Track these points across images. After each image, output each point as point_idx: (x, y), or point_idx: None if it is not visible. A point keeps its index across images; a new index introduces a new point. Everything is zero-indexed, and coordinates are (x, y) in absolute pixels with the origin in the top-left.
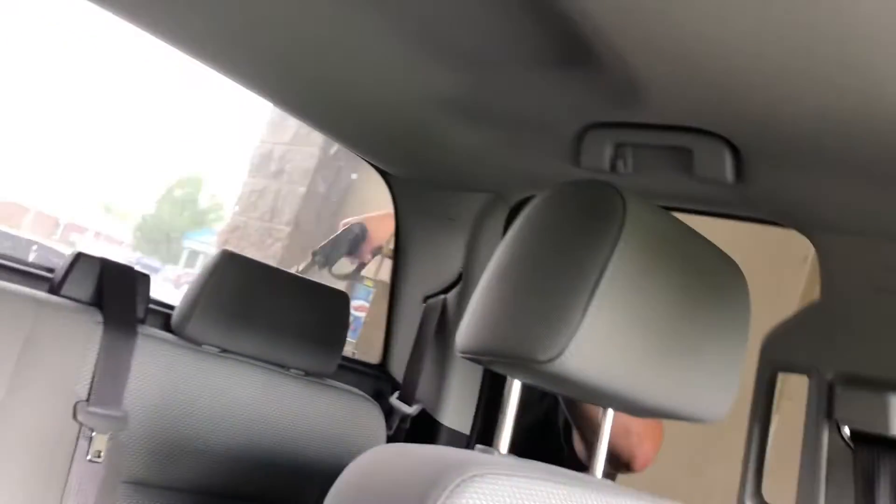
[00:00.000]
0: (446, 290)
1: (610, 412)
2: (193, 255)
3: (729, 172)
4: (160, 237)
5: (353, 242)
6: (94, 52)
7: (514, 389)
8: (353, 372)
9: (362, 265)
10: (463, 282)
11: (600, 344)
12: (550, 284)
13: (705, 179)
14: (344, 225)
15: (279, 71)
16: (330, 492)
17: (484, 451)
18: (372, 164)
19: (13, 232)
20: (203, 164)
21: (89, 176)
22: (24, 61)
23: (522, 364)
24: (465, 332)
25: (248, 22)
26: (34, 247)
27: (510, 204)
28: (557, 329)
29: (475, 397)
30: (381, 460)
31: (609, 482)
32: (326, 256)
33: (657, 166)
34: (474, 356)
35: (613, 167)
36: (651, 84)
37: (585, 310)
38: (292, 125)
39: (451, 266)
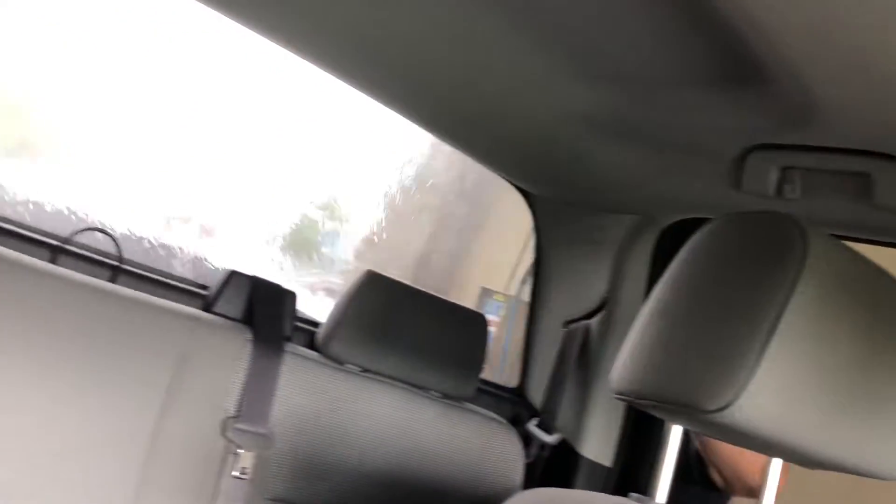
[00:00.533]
0: (589, 316)
1: (776, 461)
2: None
3: None
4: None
5: None
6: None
7: (674, 435)
8: (491, 396)
9: None
10: (608, 308)
11: (777, 394)
12: (721, 325)
13: (887, 208)
14: None
15: (421, 89)
16: None
17: (639, 501)
18: (513, 184)
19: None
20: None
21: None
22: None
23: (686, 412)
24: (620, 372)
25: (387, 39)
26: (191, 262)
27: (660, 227)
28: (729, 376)
29: (618, 429)
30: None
31: None
32: None
33: (829, 192)
34: (631, 399)
35: (780, 191)
36: (826, 104)
37: (761, 355)
38: (426, 138)
39: (595, 291)
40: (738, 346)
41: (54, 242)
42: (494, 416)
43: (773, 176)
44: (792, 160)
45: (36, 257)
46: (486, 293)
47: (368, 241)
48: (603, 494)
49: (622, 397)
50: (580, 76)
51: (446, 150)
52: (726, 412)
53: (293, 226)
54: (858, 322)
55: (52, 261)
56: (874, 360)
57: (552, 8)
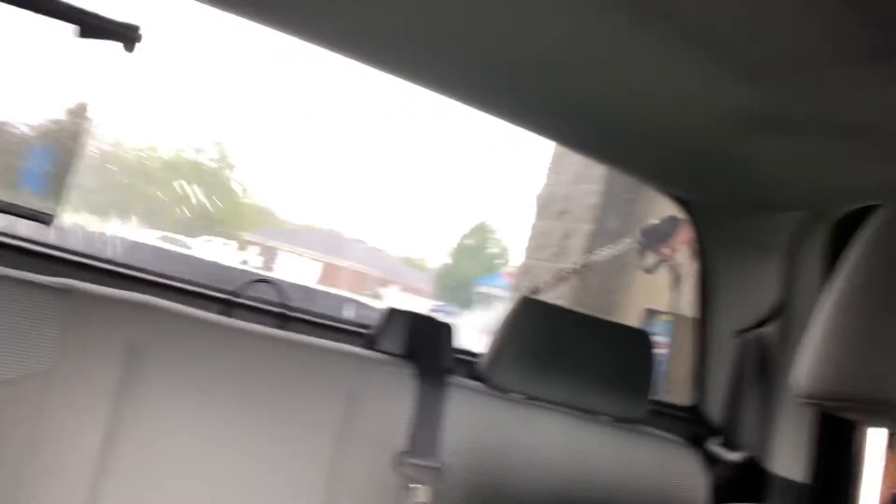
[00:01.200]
0: (762, 324)
1: None
2: (485, 299)
3: None
4: (455, 284)
5: (666, 232)
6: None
7: (874, 441)
8: (665, 416)
9: (663, 260)
10: (784, 313)
11: None
12: None
13: None
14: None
15: (566, 112)
16: None
17: None
18: (668, 194)
19: (331, 290)
20: (490, 211)
21: (391, 231)
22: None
23: (884, 410)
24: (804, 374)
25: (521, 61)
26: (350, 304)
27: (831, 220)
28: None
29: (808, 441)
30: None
31: None
32: (648, 239)
33: None
34: (821, 402)
35: None
36: None
37: None
38: (573, 164)
39: (766, 296)
40: None
41: (225, 296)
42: (671, 436)
43: None
44: None
45: (210, 311)
46: (650, 314)
47: (524, 273)
48: None
49: (810, 401)
50: (729, 72)
51: (592, 173)
52: None
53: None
54: None
55: (226, 313)
56: None
57: (692, 8)
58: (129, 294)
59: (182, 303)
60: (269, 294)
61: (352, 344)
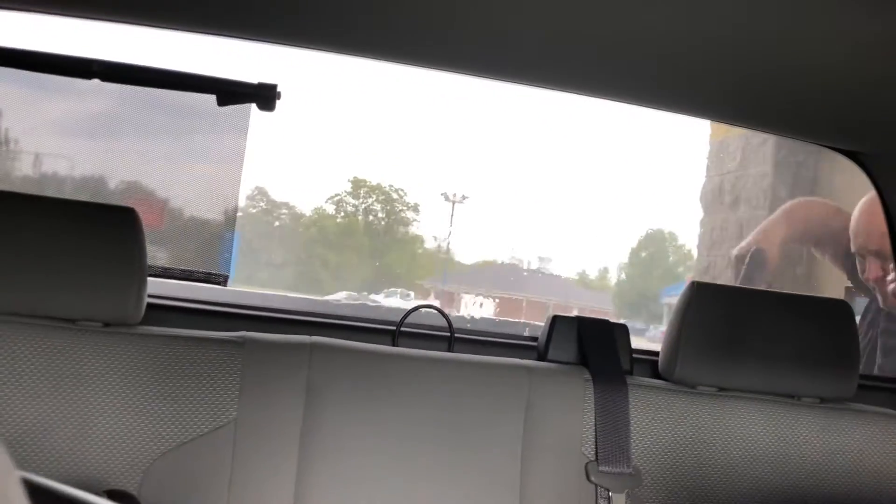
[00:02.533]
0: None
1: None
2: (672, 309)
3: None
4: (637, 299)
5: (754, 271)
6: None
7: None
8: (881, 391)
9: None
10: None
11: None
12: None
13: None
14: (737, 259)
15: (711, 83)
16: None
17: None
18: (838, 150)
19: (509, 319)
20: (660, 217)
21: (564, 256)
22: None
23: None
24: None
25: (673, 47)
26: (526, 329)
27: None
28: None
29: None
30: None
31: None
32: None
33: None
34: None
35: None
36: None
37: None
38: (735, 152)
39: None
40: None
41: (391, 327)
42: (888, 411)
43: None
44: None
45: (378, 342)
46: (850, 293)
47: (704, 272)
48: None
49: None
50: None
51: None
52: None
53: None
54: None
55: (394, 341)
56: None
57: None
58: (300, 337)
59: (353, 338)
60: (435, 319)
61: (522, 358)
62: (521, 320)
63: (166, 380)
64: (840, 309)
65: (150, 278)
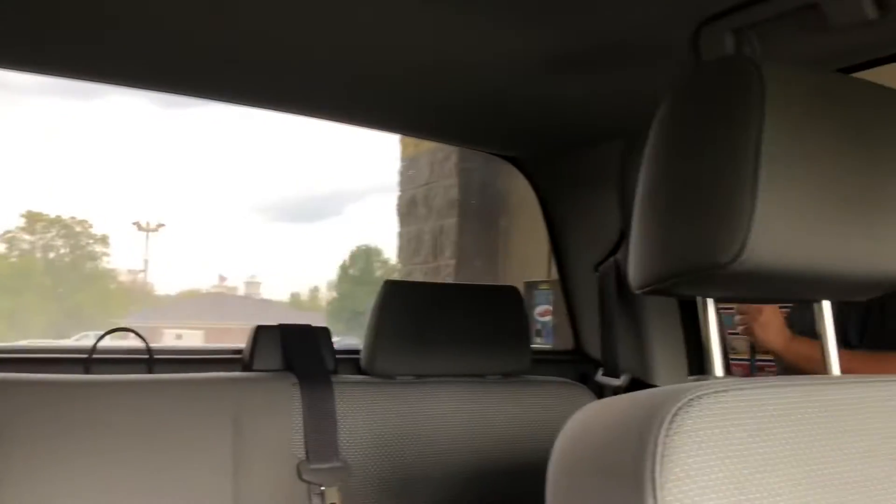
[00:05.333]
0: (614, 251)
1: (826, 305)
2: None
3: (868, 7)
4: (350, 316)
5: None
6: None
7: (710, 309)
8: (551, 363)
9: None
10: (627, 234)
11: (782, 226)
12: (707, 183)
13: (845, 26)
14: None
15: (376, 96)
16: (551, 453)
17: (697, 380)
18: (496, 154)
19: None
20: (362, 236)
21: (274, 280)
22: None
23: (706, 274)
24: (635, 268)
25: (331, 58)
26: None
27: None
28: (730, 226)
29: (682, 348)
30: (591, 412)
31: (850, 376)
32: None
33: (786, 37)
34: (653, 287)
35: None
36: None
37: (754, 196)
38: (424, 166)
39: (611, 224)
40: (730, 194)
41: (82, 355)
42: (557, 378)
43: (730, 42)
44: (741, 20)
45: (71, 373)
46: (530, 287)
47: (407, 277)
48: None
49: (645, 289)
50: (512, 18)
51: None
52: (740, 260)
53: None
54: (840, 132)
55: (87, 371)
56: (862, 163)
57: None
58: None
59: (42, 372)
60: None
61: (228, 370)
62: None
63: None
64: (511, 295)
65: None
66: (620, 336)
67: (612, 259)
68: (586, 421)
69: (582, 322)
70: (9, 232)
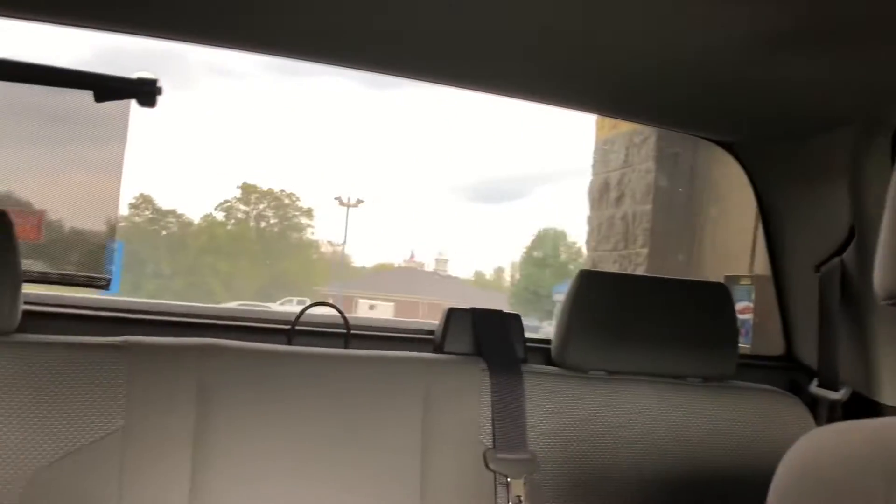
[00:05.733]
0: (840, 251)
1: None
2: None
3: None
4: (531, 297)
5: None
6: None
7: None
8: (759, 368)
9: None
10: (860, 234)
11: None
12: None
13: None
14: None
15: (584, 76)
16: (772, 483)
17: None
18: (713, 141)
19: (405, 319)
20: (551, 217)
21: (460, 258)
22: None
23: None
24: (886, 274)
25: (539, 36)
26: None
27: (891, 126)
28: None
29: None
30: (821, 441)
31: None
32: None
33: None
34: None
35: None
36: None
37: None
38: (619, 149)
39: (838, 221)
40: None
41: (286, 326)
42: (768, 387)
43: None
44: None
45: (273, 342)
46: (730, 281)
47: (592, 267)
48: None
49: (894, 301)
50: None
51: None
52: None
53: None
54: None
55: (289, 342)
56: None
57: None
58: (189, 340)
59: (248, 338)
60: (330, 319)
61: (419, 352)
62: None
63: (46, 388)
64: (719, 292)
65: (30, 286)
66: (841, 345)
67: (836, 259)
68: (815, 452)
69: (796, 326)
70: (227, 202)
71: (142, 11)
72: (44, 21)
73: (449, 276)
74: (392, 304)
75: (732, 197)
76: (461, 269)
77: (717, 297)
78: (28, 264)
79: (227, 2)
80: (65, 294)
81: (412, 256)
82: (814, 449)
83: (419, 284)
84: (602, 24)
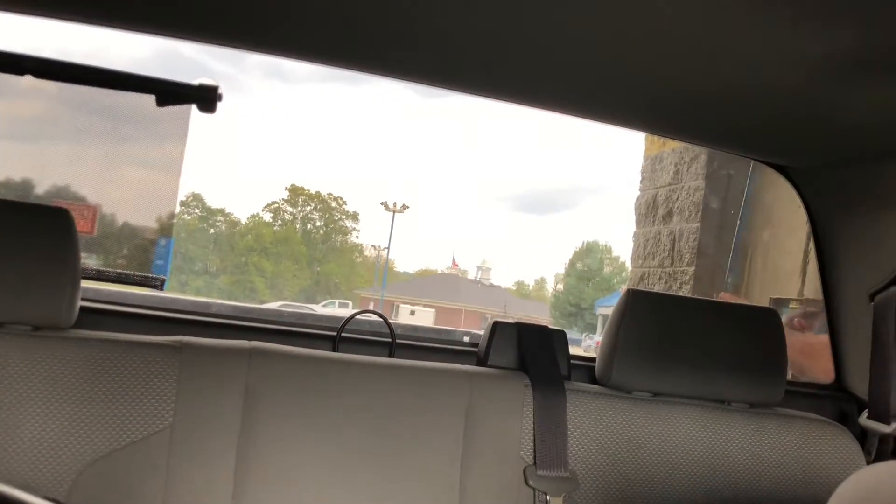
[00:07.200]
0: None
1: None
2: (606, 320)
3: None
4: (573, 310)
5: None
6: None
7: None
8: (806, 396)
9: None
10: None
11: None
12: None
13: None
14: None
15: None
16: None
17: None
18: (767, 164)
19: (447, 328)
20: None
21: (502, 267)
22: None
23: None
24: None
25: (599, 56)
26: (466, 337)
27: None
28: None
29: None
30: (873, 479)
31: None
32: None
33: None
34: None
35: None
36: None
37: None
38: (668, 166)
39: (894, 250)
40: None
41: (331, 333)
42: (815, 416)
43: None
44: None
45: (318, 347)
46: (778, 304)
47: (637, 282)
48: None
49: None
50: (812, 17)
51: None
52: None
53: (563, 295)
54: None
55: (334, 348)
56: None
57: None
58: (239, 342)
59: (290, 345)
60: (374, 327)
61: (462, 363)
62: (461, 329)
63: (99, 384)
64: (769, 317)
65: (84, 282)
66: (895, 376)
67: (893, 289)
68: (869, 490)
69: (847, 354)
70: (274, 202)
71: (181, 14)
72: (47, 17)
73: (491, 285)
74: (432, 310)
75: (782, 219)
76: (502, 278)
77: (766, 322)
78: (84, 258)
79: (257, 7)
80: (113, 290)
81: (455, 263)
82: (867, 488)
83: (461, 292)
84: (663, 47)
